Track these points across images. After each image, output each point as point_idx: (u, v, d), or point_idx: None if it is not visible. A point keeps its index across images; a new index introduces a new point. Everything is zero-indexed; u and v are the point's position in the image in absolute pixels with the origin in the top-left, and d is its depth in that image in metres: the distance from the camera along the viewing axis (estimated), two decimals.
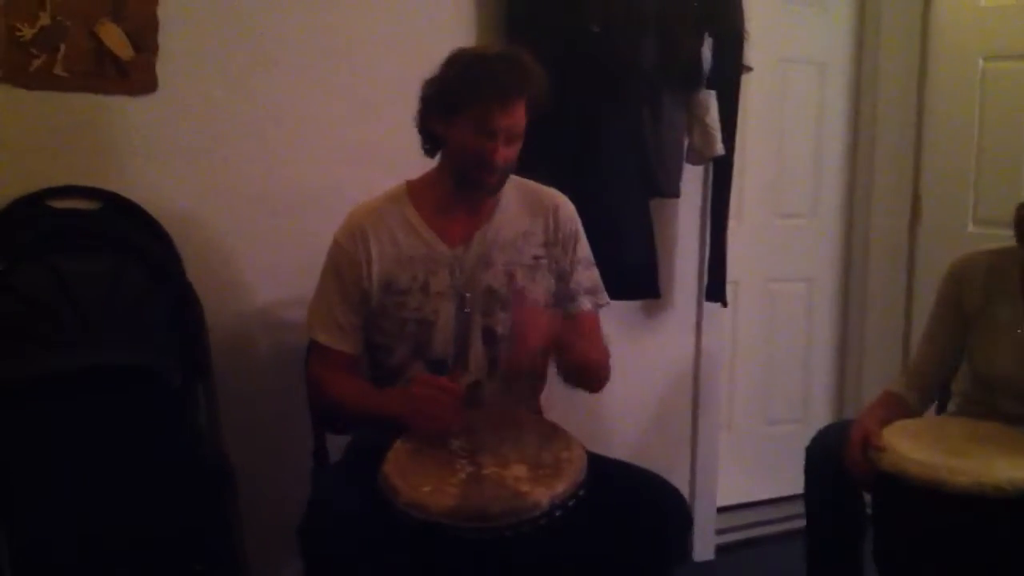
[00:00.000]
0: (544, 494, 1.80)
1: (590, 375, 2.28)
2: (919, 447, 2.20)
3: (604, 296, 2.41)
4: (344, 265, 2.24)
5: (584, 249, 2.37)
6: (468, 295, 2.22)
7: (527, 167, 2.30)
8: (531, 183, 2.36)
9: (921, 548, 2.21)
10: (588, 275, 2.37)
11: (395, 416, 2.06)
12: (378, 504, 1.87)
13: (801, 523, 2.72)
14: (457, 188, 2.21)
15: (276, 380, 2.57)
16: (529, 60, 2.13)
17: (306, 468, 2.37)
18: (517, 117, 2.12)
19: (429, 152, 2.26)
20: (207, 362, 2.47)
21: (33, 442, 2.20)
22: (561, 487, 1.83)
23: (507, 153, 2.13)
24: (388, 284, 2.22)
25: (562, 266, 2.32)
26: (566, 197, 2.37)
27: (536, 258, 2.29)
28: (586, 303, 2.35)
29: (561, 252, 2.31)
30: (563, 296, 2.33)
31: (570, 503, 1.84)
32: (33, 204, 2.39)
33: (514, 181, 2.31)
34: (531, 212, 2.31)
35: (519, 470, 1.88)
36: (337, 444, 2.39)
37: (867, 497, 2.45)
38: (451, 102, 2.12)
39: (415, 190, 2.29)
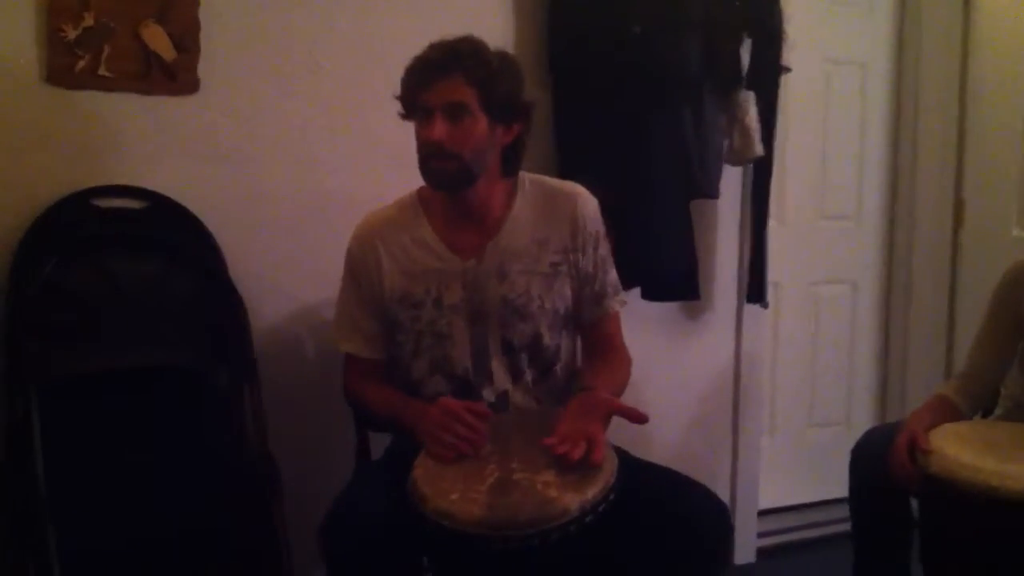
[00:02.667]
0: (573, 500, 1.76)
1: None
2: (967, 451, 2.17)
3: (623, 293, 2.36)
4: (359, 272, 2.24)
5: (607, 247, 2.31)
6: (481, 307, 2.18)
7: (572, 170, 2.29)
8: (548, 182, 2.31)
9: (969, 553, 2.19)
10: (612, 275, 2.33)
11: (412, 433, 2.05)
12: (404, 506, 1.85)
13: (842, 527, 2.70)
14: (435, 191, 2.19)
15: (319, 381, 2.57)
16: (467, 41, 2.10)
17: (349, 467, 2.36)
18: (449, 92, 2.04)
19: None
20: (252, 363, 2.48)
21: (80, 439, 2.22)
22: (591, 492, 1.79)
23: (449, 132, 2.05)
24: (402, 297, 2.20)
25: (584, 269, 2.25)
26: (587, 192, 2.29)
27: (554, 265, 2.23)
28: (613, 305, 2.31)
29: (582, 255, 2.25)
30: (591, 298, 2.28)
31: (600, 508, 1.79)
32: (78, 203, 2.41)
33: (529, 183, 2.27)
34: (548, 217, 2.24)
35: (548, 475, 1.83)
36: (381, 443, 2.39)
37: (914, 501, 2.43)
38: (403, 102, 2.13)
39: (426, 199, 2.26)
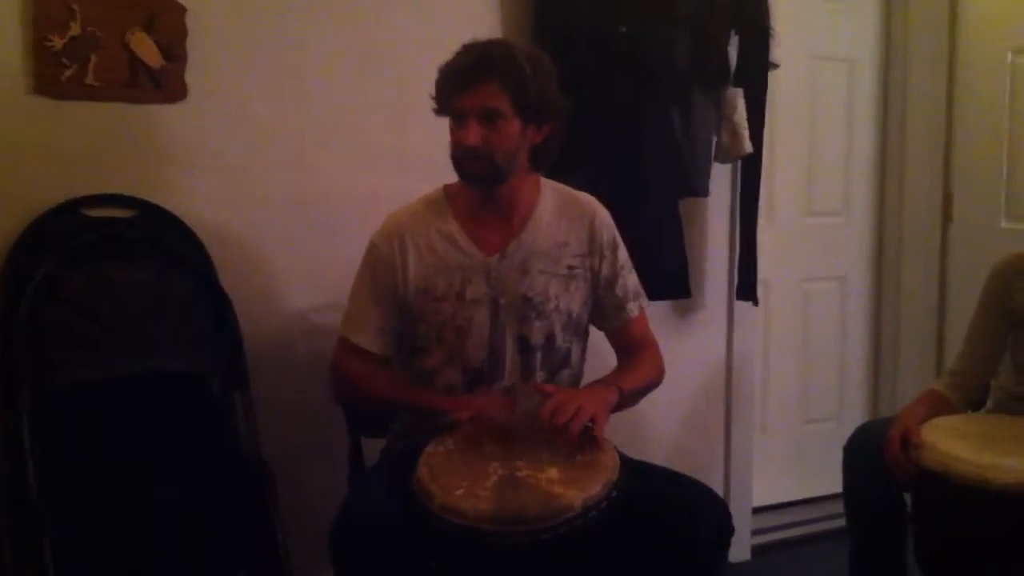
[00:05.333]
0: (577, 496, 1.79)
1: (647, 391, 2.33)
2: (962, 444, 2.18)
3: (644, 297, 2.40)
4: (380, 268, 2.24)
5: (624, 254, 2.35)
6: (502, 302, 2.22)
7: (564, 169, 2.29)
8: (567, 190, 2.34)
9: (964, 546, 2.19)
10: (632, 279, 2.36)
11: (439, 407, 2.13)
12: (410, 508, 1.87)
13: (837, 523, 2.70)
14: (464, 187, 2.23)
15: (311, 386, 2.57)
16: (499, 45, 2.14)
17: (343, 472, 2.38)
18: (482, 98, 2.08)
19: None
20: (245, 368, 2.49)
21: (80, 444, 2.23)
22: (594, 488, 1.82)
23: (483, 136, 2.09)
24: (425, 290, 2.22)
25: (603, 275, 2.30)
26: (601, 204, 2.34)
27: (571, 268, 2.27)
28: (634, 309, 2.35)
29: (600, 261, 2.29)
30: (611, 304, 2.33)
31: (603, 504, 1.82)
32: (68, 213, 2.41)
33: (550, 188, 2.31)
34: (568, 221, 2.28)
35: (552, 472, 1.87)
36: (373, 447, 2.39)
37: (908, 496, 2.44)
38: (437, 102, 2.16)
39: (452, 196, 2.28)
